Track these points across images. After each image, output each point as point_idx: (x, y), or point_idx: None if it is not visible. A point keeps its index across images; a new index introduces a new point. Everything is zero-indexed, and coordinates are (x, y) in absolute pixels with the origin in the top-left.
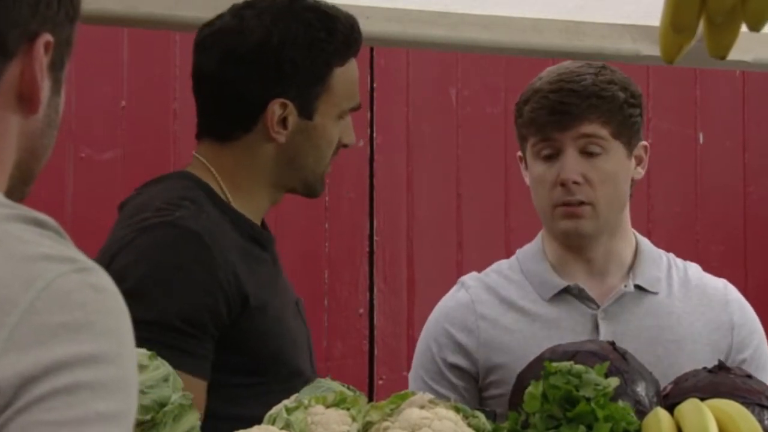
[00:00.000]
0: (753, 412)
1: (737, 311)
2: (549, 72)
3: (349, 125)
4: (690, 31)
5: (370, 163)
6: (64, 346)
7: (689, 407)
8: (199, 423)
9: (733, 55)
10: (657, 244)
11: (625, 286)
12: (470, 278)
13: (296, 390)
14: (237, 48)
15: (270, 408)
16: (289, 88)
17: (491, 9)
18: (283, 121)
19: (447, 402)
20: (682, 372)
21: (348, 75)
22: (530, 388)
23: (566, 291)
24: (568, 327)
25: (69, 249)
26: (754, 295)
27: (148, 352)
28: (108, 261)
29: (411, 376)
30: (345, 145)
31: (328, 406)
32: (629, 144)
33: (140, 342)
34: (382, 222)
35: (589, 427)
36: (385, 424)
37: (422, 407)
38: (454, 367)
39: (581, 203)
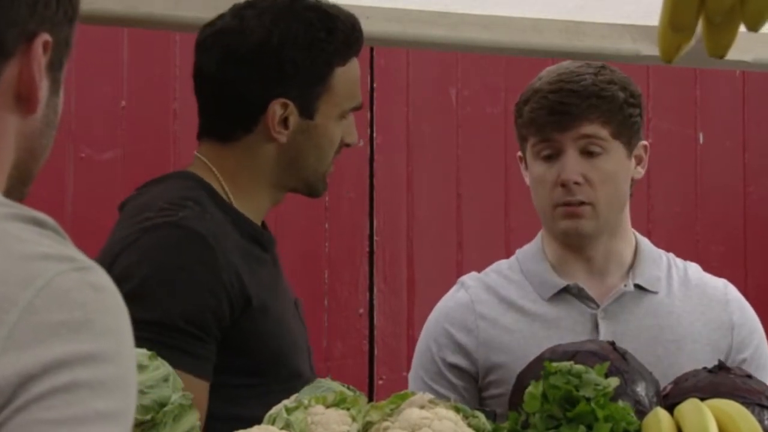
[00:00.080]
0: (753, 412)
1: (737, 311)
2: (549, 72)
3: (351, 124)
4: (688, 30)
5: (370, 163)
6: (63, 345)
7: (689, 407)
8: (199, 423)
9: (733, 55)
10: (657, 244)
11: (625, 285)
12: (470, 278)
13: (296, 391)
14: (238, 48)
15: (270, 409)
16: (290, 88)
17: (491, 9)
18: (284, 121)
19: (447, 402)
20: (682, 372)
21: (349, 75)
22: (530, 388)
23: (566, 291)
24: (567, 327)
25: (68, 248)
26: (754, 295)
27: (148, 352)
28: (111, 261)
29: (411, 376)
30: (347, 145)
31: (328, 406)
32: (629, 144)
33: (143, 342)
34: (382, 222)
35: (589, 427)
36: (385, 424)
37: (422, 407)
38: (454, 367)
39: (581, 203)
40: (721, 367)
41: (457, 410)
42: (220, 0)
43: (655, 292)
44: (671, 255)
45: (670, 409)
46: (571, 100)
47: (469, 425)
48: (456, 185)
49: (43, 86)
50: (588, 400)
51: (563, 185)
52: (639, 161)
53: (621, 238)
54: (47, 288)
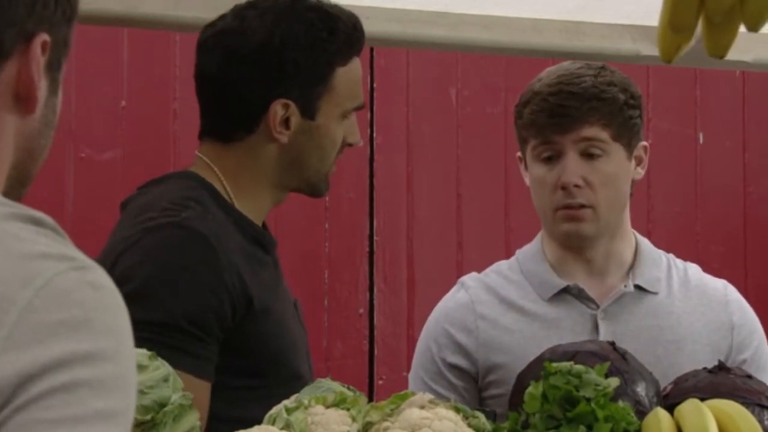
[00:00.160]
0: (753, 412)
1: (737, 312)
2: (548, 73)
3: (353, 124)
4: (688, 30)
5: (370, 163)
6: (62, 344)
7: (689, 407)
8: (199, 423)
9: (733, 55)
10: (657, 244)
11: (625, 286)
12: (470, 278)
13: (296, 393)
14: (239, 49)
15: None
16: (292, 88)
17: (491, 9)
18: (286, 122)
19: (447, 402)
20: (682, 372)
21: (351, 75)
22: (530, 389)
23: (566, 291)
24: (567, 327)
25: (67, 247)
26: (754, 296)
27: (148, 352)
28: (113, 261)
29: (411, 376)
30: (350, 144)
31: (328, 407)
32: (629, 145)
33: (145, 342)
34: (382, 222)
35: (589, 427)
36: (385, 424)
37: (422, 407)
38: (454, 368)
39: (581, 206)
40: (721, 368)
41: (457, 410)
42: (221, 0)
43: (655, 293)
44: (671, 256)
45: (670, 409)
46: (571, 102)
47: (469, 425)
48: (456, 185)
49: (42, 86)
50: (588, 400)
51: (564, 188)
52: (639, 162)
53: (621, 239)
54: (46, 287)
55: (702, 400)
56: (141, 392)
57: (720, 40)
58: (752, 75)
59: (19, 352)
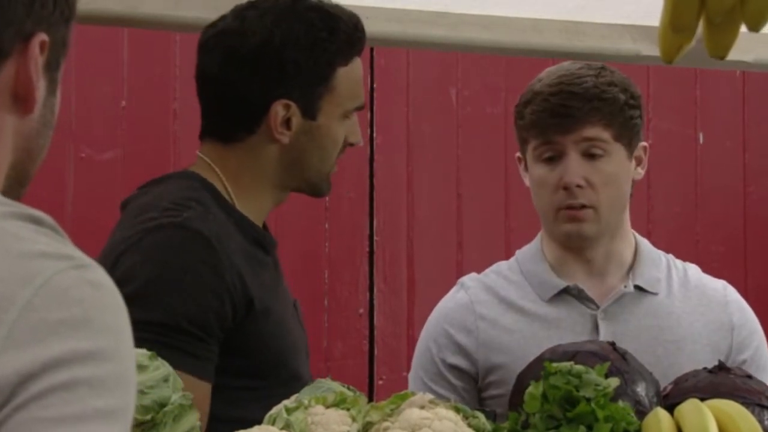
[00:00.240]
0: (753, 412)
1: (737, 312)
2: (549, 73)
3: (354, 124)
4: (689, 31)
5: (370, 163)
6: (62, 343)
7: (689, 407)
8: (199, 423)
9: (733, 55)
10: (657, 245)
11: (625, 286)
12: (469, 279)
13: (296, 393)
14: (239, 49)
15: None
16: (292, 88)
17: (491, 9)
18: (287, 122)
19: (447, 402)
20: (682, 372)
21: (352, 75)
22: (530, 389)
23: (566, 291)
24: (567, 327)
25: (66, 246)
26: (754, 296)
27: (148, 353)
28: (113, 261)
29: (410, 376)
30: (351, 144)
31: (328, 407)
32: (630, 145)
33: (145, 343)
34: (382, 222)
35: (590, 427)
36: (385, 424)
37: (422, 407)
38: (454, 368)
39: (583, 206)
40: (721, 368)
41: (457, 410)
42: (221, 0)
43: (655, 293)
44: (670, 256)
45: (670, 409)
46: (572, 102)
47: (469, 425)
48: (456, 185)
49: (40, 86)
50: (588, 400)
51: (565, 188)
52: (639, 162)
53: (621, 239)
54: (46, 286)
55: (702, 400)
56: (141, 392)
57: (721, 40)
58: (752, 75)
59: (18, 351)
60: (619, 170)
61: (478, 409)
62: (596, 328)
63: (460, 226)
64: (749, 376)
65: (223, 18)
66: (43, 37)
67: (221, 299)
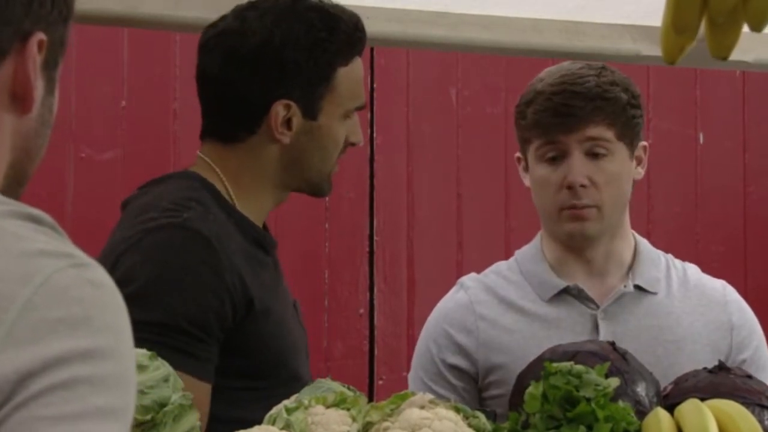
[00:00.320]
0: (753, 412)
1: (736, 312)
2: (550, 73)
3: (355, 124)
4: (691, 31)
5: (370, 163)
6: (61, 342)
7: (689, 407)
8: (199, 423)
9: (734, 55)
10: (657, 245)
11: (625, 286)
12: (469, 279)
13: (296, 393)
14: (239, 49)
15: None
16: (293, 89)
17: (491, 9)
18: (288, 123)
19: (447, 402)
20: (682, 372)
21: (352, 74)
22: (530, 389)
23: (566, 291)
24: (567, 327)
25: (65, 245)
26: (754, 296)
27: (148, 353)
28: (114, 261)
29: (410, 376)
30: (352, 144)
31: (328, 407)
32: (631, 145)
33: (145, 343)
34: (382, 222)
35: (590, 427)
36: (385, 424)
37: (422, 407)
38: (454, 368)
39: (586, 206)
40: (721, 368)
41: (458, 410)
42: (221, 0)
43: (655, 293)
44: (670, 256)
45: (670, 409)
46: (575, 102)
47: (470, 425)
48: (456, 185)
49: (39, 85)
50: (588, 400)
51: (569, 188)
52: (639, 162)
53: (621, 239)
54: (46, 285)
55: (702, 400)
56: (141, 392)
57: (723, 40)
58: (752, 75)
59: (18, 350)
60: (621, 169)
61: (478, 409)
62: (596, 328)
63: (460, 226)
64: (749, 376)
65: (223, 18)
66: (41, 36)
67: (221, 299)
